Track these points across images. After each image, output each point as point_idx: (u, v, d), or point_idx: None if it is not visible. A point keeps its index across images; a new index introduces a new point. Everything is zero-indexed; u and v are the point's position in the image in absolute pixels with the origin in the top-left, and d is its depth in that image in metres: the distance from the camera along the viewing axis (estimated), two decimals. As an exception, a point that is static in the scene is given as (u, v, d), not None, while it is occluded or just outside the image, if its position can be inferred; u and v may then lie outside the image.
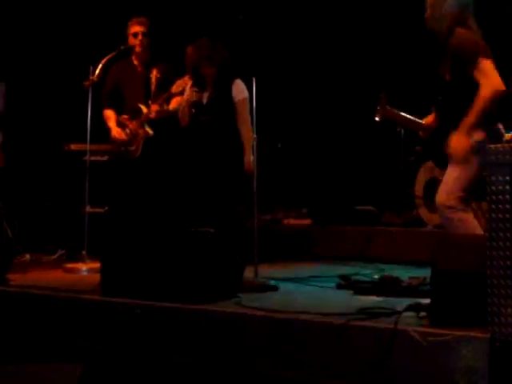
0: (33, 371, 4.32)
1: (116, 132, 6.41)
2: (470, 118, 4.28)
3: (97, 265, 5.43)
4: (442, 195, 4.48)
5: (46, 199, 7.60)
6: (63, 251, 7.04)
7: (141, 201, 6.32)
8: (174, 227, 5.18)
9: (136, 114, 6.33)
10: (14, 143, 7.38)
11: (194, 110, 5.80)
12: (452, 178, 4.45)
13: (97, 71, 6.38)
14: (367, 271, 5.89)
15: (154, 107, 6.21)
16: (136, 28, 6.43)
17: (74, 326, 4.71)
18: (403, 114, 4.95)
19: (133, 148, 6.35)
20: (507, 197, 3.39)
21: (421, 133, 4.92)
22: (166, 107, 6.23)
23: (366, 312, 4.02)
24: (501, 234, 3.39)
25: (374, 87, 5.76)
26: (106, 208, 6.89)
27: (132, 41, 6.45)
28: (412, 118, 4.93)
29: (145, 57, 6.49)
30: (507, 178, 3.40)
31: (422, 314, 3.85)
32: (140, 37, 6.41)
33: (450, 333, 3.51)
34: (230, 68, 5.79)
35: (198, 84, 5.79)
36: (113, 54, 6.47)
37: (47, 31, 8.00)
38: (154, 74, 6.38)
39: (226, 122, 5.69)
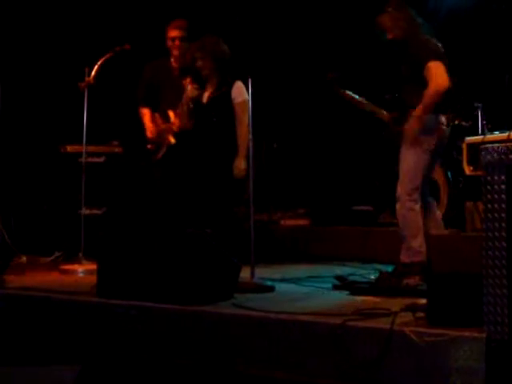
0: (30, 373, 4.31)
1: (150, 131, 6.43)
2: (421, 109, 5.04)
3: (93, 266, 5.43)
4: (400, 185, 5.17)
5: (42, 201, 7.59)
6: (60, 253, 7.02)
7: (141, 202, 6.34)
8: (170, 228, 5.17)
9: (167, 117, 6.35)
10: (10, 145, 7.38)
11: (192, 105, 5.80)
12: (408, 167, 5.15)
13: (93, 73, 6.38)
14: (364, 271, 5.89)
15: (177, 123, 6.20)
16: (174, 33, 6.42)
17: (70, 327, 4.70)
18: (359, 98, 5.55)
19: (159, 150, 6.37)
20: (503, 196, 3.39)
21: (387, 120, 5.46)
22: (187, 124, 6.17)
23: (363, 312, 4.01)
24: (496, 234, 3.39)
25: (370, 87, 5.76)
26: (103, 209, 6.90)
27: (169, 44, 6.44)
28: (370, 103, 5.50)
29: (181, 61, 6.48)
30: (503, 177, 3.40)
31: (419, 314, 3.85)
32: (177, 42, 6.41)
33: (446, 333, 3.51)
34: (233, 69, 5.77)
35: (197, 79, 5.78)
36: (108, 55, 6.46)
37: (43, 32, 7.99)
38: (188, 81, 6.33)
39: (223, 123, 5.69)
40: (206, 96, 5.79)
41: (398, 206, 5.19)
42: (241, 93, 5.69)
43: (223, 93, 5.71)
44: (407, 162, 5.18)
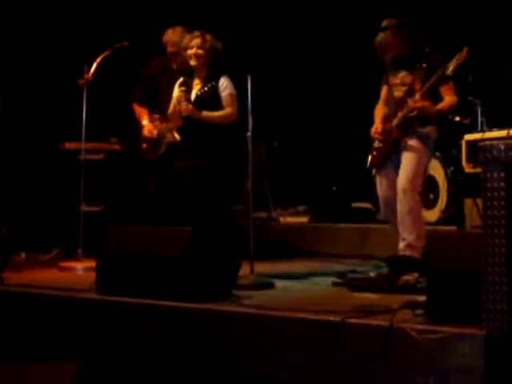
0: (30, 370, 4.32)
1: (148, 130, 6.29)
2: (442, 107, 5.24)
3: (92, 263, 5.42)
4: (406, 180, 5.11)
5: (41, 198, 7.59)
6: (59, 250, 7.02)
7: (142, 199, 6.31)
8: (169, 225, 5.16)
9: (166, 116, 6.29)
10: (9, 142, 7.38)
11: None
12: (413, 164, 5.14)
13: (92, 70, 6.36)
14: (363, 268, 5.89)
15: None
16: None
17: (69, 324, 4.70)
18: None
19: (158, 148, 6.30)
20: (502, 194, 3.39)
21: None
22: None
23: (362, 309, 4.02)
24: (496, 231, 3.39)
25: (371, 84, 5.76)
26: (102, 206, 6.89)
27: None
28: None
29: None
30: (502, 174, 3.39)
31: (419, 311, 3.86)
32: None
33: (446, 330, 3.52)
34: (224, 65, 5.72)
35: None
36: (108, 52, 6.44)
37: (42, 29, 7.99)
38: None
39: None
40: (193, 93, 5.68)
41: (406, 198, 5.08)
42: (227, 86, 5.63)
43: (210, 87, 5.64)
44: (416, 152, 5.18)
